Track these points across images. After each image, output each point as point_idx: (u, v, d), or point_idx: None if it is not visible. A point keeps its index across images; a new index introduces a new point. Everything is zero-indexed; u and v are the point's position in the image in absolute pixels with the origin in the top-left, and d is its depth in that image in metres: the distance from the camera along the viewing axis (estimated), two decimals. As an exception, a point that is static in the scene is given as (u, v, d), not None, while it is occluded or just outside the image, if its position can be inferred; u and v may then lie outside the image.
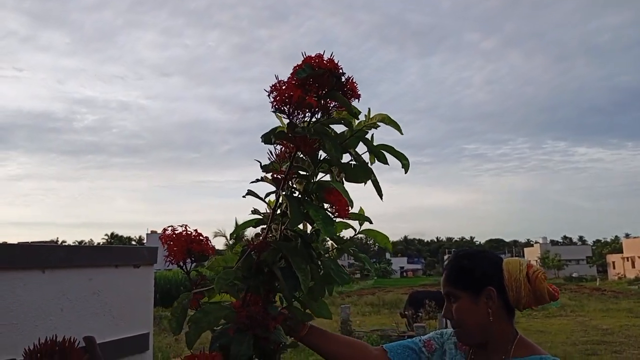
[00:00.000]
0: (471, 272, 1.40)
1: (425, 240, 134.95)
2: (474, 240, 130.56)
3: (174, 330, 1.08)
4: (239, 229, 1.32)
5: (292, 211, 1.17)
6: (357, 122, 1.33)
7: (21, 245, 1.48)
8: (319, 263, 1.28)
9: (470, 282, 1.39)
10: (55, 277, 1.52)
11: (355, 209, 1.35)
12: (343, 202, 1.24)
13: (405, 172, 1.37)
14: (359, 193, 1.30)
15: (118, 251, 1.86)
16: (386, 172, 1.42)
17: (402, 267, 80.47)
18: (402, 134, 1.34)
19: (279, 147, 1.28)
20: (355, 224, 1.40)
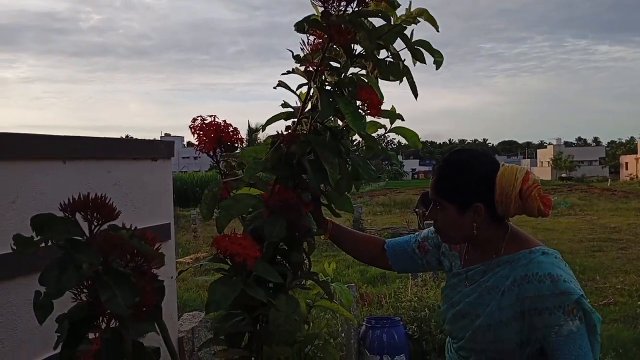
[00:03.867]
0: (460, 187, 1.31)
1: (438, 143, 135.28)
2: (487, 142, 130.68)
3: (205, 216, 1.13)
4: (270, 121, 1.31)
5: (322, 103, 1.16)
6: (397, 16, 1.27)
7: (42, 136, 1.47)
8: (347, 159, 1.28)
9: (458, 197, 1.31)
10: (76, 167, 1.52)
11: (386, 108, 1.33)
12: (375, 100, 1.22)
13: (437, 69, 1.32)
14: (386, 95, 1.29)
15: (136, 144, 1.85)
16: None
17: (413, 169, 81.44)
18: (438, 30, 1.29)
19: (311, 38, 1.24)
20: (385, 122, 1.40)
